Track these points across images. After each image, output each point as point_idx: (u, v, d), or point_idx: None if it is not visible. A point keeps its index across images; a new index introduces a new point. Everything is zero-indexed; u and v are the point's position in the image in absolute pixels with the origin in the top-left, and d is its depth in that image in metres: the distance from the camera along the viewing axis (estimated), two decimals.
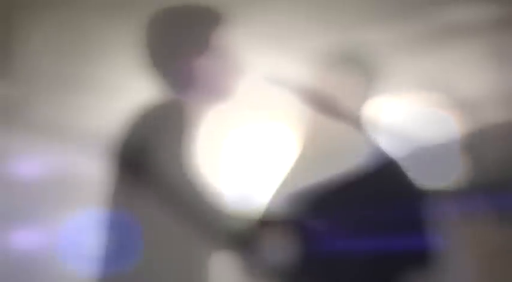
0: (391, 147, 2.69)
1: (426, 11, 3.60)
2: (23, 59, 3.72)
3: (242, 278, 2.35)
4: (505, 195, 2.55)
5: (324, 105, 2.65)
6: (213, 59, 2.39)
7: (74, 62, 3.67)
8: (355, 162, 2.61)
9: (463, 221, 2.59)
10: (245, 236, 2.27)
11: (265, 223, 2.32)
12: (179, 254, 2.30)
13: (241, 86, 2.43)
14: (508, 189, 2.55)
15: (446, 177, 2.66)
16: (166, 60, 2.39)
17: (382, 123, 2.76)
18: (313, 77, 2.75)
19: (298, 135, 2.82)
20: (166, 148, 2.24)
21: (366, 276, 2.53)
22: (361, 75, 2.75)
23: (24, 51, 3.72)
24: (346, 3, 3.58)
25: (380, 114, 2.78)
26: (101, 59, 3.63)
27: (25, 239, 3.65)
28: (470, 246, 2.60)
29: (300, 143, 2.81)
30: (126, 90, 2.88)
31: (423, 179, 2.63)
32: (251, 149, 3.67)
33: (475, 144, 2.67)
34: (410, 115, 3.36)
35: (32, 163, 3.69)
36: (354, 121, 2.67)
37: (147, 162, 2.23)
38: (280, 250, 2.31)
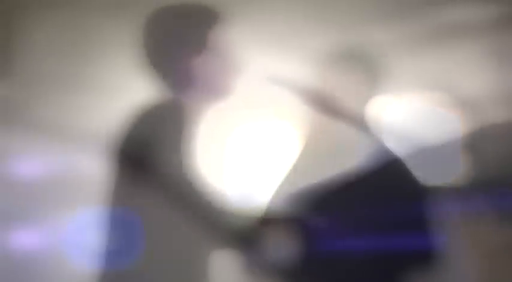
0: (392, 146, 2.69)
1: (427, 10, 3.60)
2: (23, 59, 3.71)
3: (243, 277, 2.35)
4: (506, 194, 2.54)
5: (325, 105, 2.65)
6: (211, 58, 2.39)
7: (74, 62, 3.67)
8: (357, 161, 2.61)
9: (464, 220, 2.59)
10: (247, 234, 2.27)
11: (267, 221, 2.32)
12: (180, 253, 2.31)
13: (243, 85, 2.43)
14: (509, 188, 2.55)
15: (447, 176, 2.66)
16: (164, 59, 2.39)
17: (383, 122, 2.76)
18: (315, 77, 2.75)
19: (300, 134, 2.82)
20: (166, 147, 2.24)
21: (368, 276, 2.53)
22: (364, 73, 2.75)
23: (24, 51, 3.72)
24: (347, 2, 3.58)
25: (381, 113, 2.78)
26: (101, 59, 3.63)
27: (25, 238, 3.64)
28: (472, 245, 2.60)
29: (302, 142, 2.81)
30: (126, 91, 2.88)
31: (425, 178, 2.63)
32: (253, 148, 3.67)
33: (476, 143, 2.67)
34: (411, 114, 3.36)
35: (32, 163, 3.69)
36: (356, 120, 2.68)
37: (147, 162, 2.23)
38: (282, 248, 2.31)
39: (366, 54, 2.79)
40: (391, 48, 3.13)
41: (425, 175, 2.63)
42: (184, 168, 2.25)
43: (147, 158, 2.23)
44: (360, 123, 2.68)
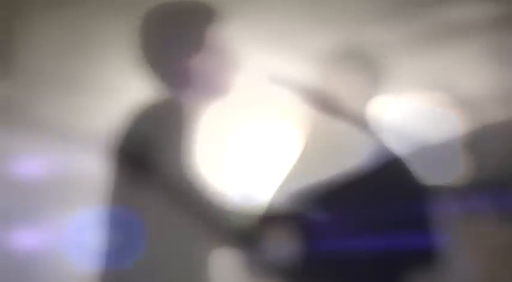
0: (393, 145, 2.69)
1: (427, 10, 3.60)
2: (24, 60, 3.72)
3: (244, 276, 2.35)
4: (507, 194, 2.55)
5: (326, 104, 2.65)
6: (209, 56, 2.39)
7: (74, 63, 3.67)
8: (358, 160, 2.61)
9: (464, 219, 2.59)
10: (247, 233, 2.27)
11: (268, 220, 2.33)
12: (181, 252, 2.30)
13: (244, 84, 2.43)
14: (509, 187, 2.55)
15: (447, 176, 2.66)
16: (161, 58, 2.39)
17: (383, 121, 2.76)
18: (315, 76, 2.75)
19: (300, 133, 2.82)
20: (165, 146, 2.24)
21: (368, 275, 2.53)
22: (365, 73, 2.75)
23: (25, 52, 3.72)
24: (347, 2, 3.58)
25: (382, 113, 2.78)
26: (102, 60, 3.63)
27: (26, 238, 3.65)
28: (472, 244, 2.60)
29: (303, 141, 2.81)
30: (126, 91, 2.88)
31: (425, 177, 2.63)
32: (254, 147, 3.67)
33: (476, 142, 2.67)
34: (411, 114, 3.36)
35: (32, 163, 3.69)
36: (357, 120, 2.68)
37: (147, 161, 2.23)
38: (283, 248, 2.31)
39: (367, 53, 2.79)
40: (391, 47, 3.13)
41: (425, 174, 2.63)
42: (184, 167, 2.25)
43: (146, 157, 2.23)
44: (360, 122, 2.69)
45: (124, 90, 3.12)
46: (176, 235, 2.29)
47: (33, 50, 3.72)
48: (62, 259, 3.52)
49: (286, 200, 2.57)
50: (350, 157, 2.62)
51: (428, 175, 2.63)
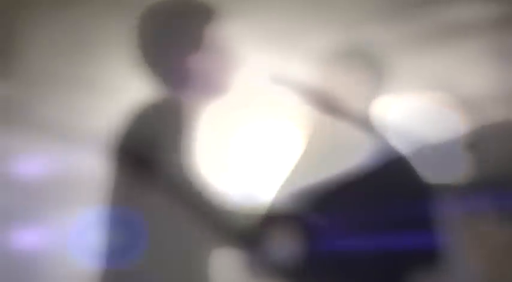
0: (395, 145, 2.69)
1: (429, 10, 3.60)
2: (24, 59, 3.71)
3: (245, 276, 2.35)
4: (508, 194, 2.55)
5: (328, 104, 2.65)
6: (208, 55, 2.38)
7: (75, 62, 3.66)
8: (361, 160, 2.61)
9: (466, 219, 2.59)
10: (249, 233, 2.27)
11: (270, 220, 2.32)
12: (182, 252, 2.30)
13: (247, 84, 2.43)
14: (511, 187, 2.55)
15: (450, 176, 2.66)
16: (160, 58, 2.38)
17: (385, 121, 2.76)
18: (317, 76, 2.75)
19: (303, 133, 2.82)
20: (165, 146, 2.24)
21: (370, 275, 2.53)
22: (368, 72, 2.75)
23: (25, 52, 3.72)
24: (349, 1, 3.58)
25: (384, 112, 2.78)
26: (102, 59, 3.63)
27: (26, 238, 3.64)
28: (474, 244, 2.60)
29: (305, 141, 2.81)
30: (127, 90, 2.88)
31: (427, 177, 2.63)
32: (256, 147, 3.66)
33: (478, 142, 2.67)
34: (413, 114, 3.36)
35: (33, 162, 3.69)
36: (359, 120, 2.67)
37: (147, 161, 2.23)
38: (285, 248, 2.30)
39: (369, 53, 2.79)
40: (392, 47, 3.13)
41: (427, 174, 2.63)
42: (184, 166, 2.24)
43: (146, 156, 2.23)
44: (363, 122, 2.68)
45: (124, 90, 3.11)
46: (177, 235, 2.29)
47: (33, 50, 3.72)
48: (63, 259, 3.52)
49: (288, 200, 2.57)
50: (353, 157, 2.62)
51: (429, 175, 2.63)
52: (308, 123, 2.79)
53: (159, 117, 2.28)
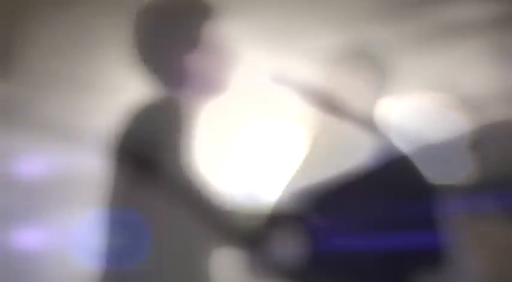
0: (399, 145, 2.69)
1: (429, 10, 3.60)
2: (24, 59, 3.71)
3: (247, 276, 2.34)
4: (511, 194, 2.54)
5: (331, 105, 2.65)
6: (206, 53, 2.37)
7: (74, 62, 3.66)
8: (364, 160, 2.61)
9: (469, 219, 2.59)
10: (252, 234, 2.26)
11: (274, 220, 2.32)
12: (182, 251, 2.30)
13: (249, 84, 2.43)
14: None
15: (453, 176, 2.66)
16: (157, 57, 2.37)
17: (389, 122, 2.76)
18: (321, 76, 2.75)
19: (306, 133, 2.82)
20: (164, 145, 2.23)
21: (373, 275, 2.53)
22: (373, 72, 2.75)
23: (25, 52, 3.72)
24: (350, 1, 3.58)
25: (387, 113, 2.78)
26: (102, 59, 3.62)
27: (27, 238, 3.64)
28: (477, 244, 2.60)
29: (309, 141, 2.81)
30: (127, 90, 2.88)
31: (430, 177, 2.63)
32: (259, 148, 3.66)
33: (481, 142, 2.67)
34: (415, 114, 3.36)
35: (33, 162, 3.69)
36: (363, 120, 2.67)
37: (146, 160, 2.23)
38: (288, 248, 2.30)
39: (372, 53, 2.79)
40: (392, 47, 3.13)
41: (431, 174, 2.63)
42: (183, 166, 2.24)
43: (146, 156, 2.23)
44: (366, 122, 2.68)
45: (124, 90, 3.11)
46: (177, 234, 2.29)
47: (34, 50, 3.72)
48: (63, 259, 3.52)
49: (292, 200, 2.57)
50: (356, 157, 2.62)
51: (432, 175, 2.63)
52: (311, 123, 2.79)
53: (158, 117, 2.28)
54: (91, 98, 3.55)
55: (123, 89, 3.16)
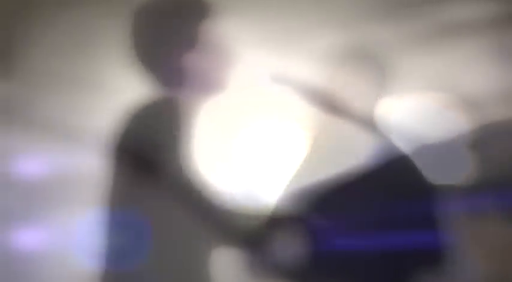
0: (399, 145, 2.69)
1: (429, 10, 3.60)
2: (24, 59, 3.71)
3: (247, 277, 2.34)
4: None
5: (331, 105, 2.65)
6: (204, 53, 2.37)
7: (74, 62, 3.66)
8: (364, 160, 2.61)
9: (470, 219, 2.59)
10: (252, 234, 2.26)
11: (274, 220, 2.32)
12: (183, 251, 2.30)
13: (247, 83, 2.42)
14: None
15: (453, 176, 2.66)
16: (155, 57, 2.37)
17: (389, 122, 2.76)
18: (322, 76, 2.75)
19: (306, 133, 2.82)
20: (163, 145, 2.23)
21: (374, 275, 2.53)
22: (373, 72, 2.75)
23: (25, 52, 3.72)
24: (351, 1, 3.58)
25: (388, 113, 2.78)
26: (103, 60, 3.62)
27: (26, 238, 3.64)
28: (478, 244, 2.60)
29: (310, 142, 2.81)
30: (127, 90, 2.88)
31: (431, 177, 2.63)
32: (260, 148, 3.66)
33: (482, 142, 2.67)
34: (415, 113, 3.36)
35: (33, 162, 3.69)
36: (363, 120, 2.67)
37: (146, 160, 2.23)
38: (288, 249, 2.30)
39: (373, 53, 2.79)
40: (393, 47, 3.13)
41: (431, 174, 2.63)
42: (183, 165, 2.24)
43: (145, 156, 2.23)
44: (366, 122, 2.68)
45: (124, 90, 3.11)
46: (177, 234, 2.28)
47: (34, 50, 3.72)
48: (63, 259, 3.52)
49: (293, 200, 2.56)
50: (357, 157, 2.62)
51: (433, 175, 2.63)
52: (311, 123, 2.79)
53: (157, 116, 2.28)
54: (91, 98, 3.55)
55: (123, 89, 3.16)
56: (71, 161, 3.59)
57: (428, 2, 3.61)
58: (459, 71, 3.54)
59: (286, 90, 2.59)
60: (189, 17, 2.36)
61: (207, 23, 2.37)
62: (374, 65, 2.79)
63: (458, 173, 2.66)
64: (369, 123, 2.70)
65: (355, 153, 2.64)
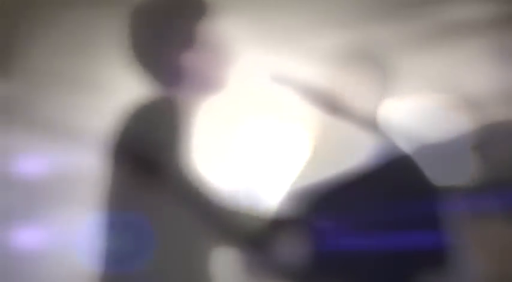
0: (402, 146, 2.69)
1: (429, 10, 3.60)
2: (24, 59, 3.72)
3: (248, 278, 2.34)
4: None
5: (333, 105, 2.65)
6: (202, 52, 2.37)
7: (74, 62, 3.67)
8: (366, 160, 2.61)
9: (473, 219, 2.59)
10: (254, 236, 2.26)
11: (276, 221, 2.32)
12: (183, 252, 2.29)
13: (247, 83, 2.42)
14: None
15: (455, 176, 2.66)
16: (153, 56, 2.37)
17: (392, 122, 2.76)
18: (323, 76, 2.75)
19: (308, 133, 2.82)
20: (162, 145, 2.23)
21: (376, 276, 2.53)
22: (375, 72, 2.75)
23: (25, 52, 3.72)
24: (352, 2, 3.58)
25: (390, 114, 2.78)
26: (103, 60, 3.63)
27: (26, 238, 3.64)
28: (480, 245, 2.60)
29: (311, 141, 2.80)
30: (127, 90, 2.88)
31: (434, 178, 2.63)
32: (260, 147, 3.66)
33: (484, 142, 2.67)
34: (417, 114, 3.36)
35: (33, 162, 3.69)
36: (365, 120, 2.67)
37: (145, 160, 2.23)
38: (291, 250, 2.30)
39: (375, 53, 2.79)
40: (394, 47, 3.13)
41: (433, 175, 2.63)
42: (182, 165, 2.24)
43: (145, 156, 2.23)
44: (368, 122, 2.68)
45: (124, 90, 3.11)
46: (177, 234, 2.28)
47: (34, 50, 3.72)
48: (63, 259, 3.52)
49: (294, 200, 2.56)
50: (359, 157, 2.62)
51: (435, 175, 2.63)
52: (312, 123, 2.79)
53: (156, 116, 2.27)
54: (91, 98, 3.56)
55: (123, 89, 3.16)
56: (71, 160, 3.59)
57: (429, 3, 3.61)
58: (460, 72, 3.54)
59: (286, 90, 2.59)
60: (188, 16, 2.36)
61: (206, 22, 2.37)
62: (375, 66, 2.79)
63: (460, 174, 2.66)
64: (370, 124, 2.70)
65: (356, 154, 2.64)
